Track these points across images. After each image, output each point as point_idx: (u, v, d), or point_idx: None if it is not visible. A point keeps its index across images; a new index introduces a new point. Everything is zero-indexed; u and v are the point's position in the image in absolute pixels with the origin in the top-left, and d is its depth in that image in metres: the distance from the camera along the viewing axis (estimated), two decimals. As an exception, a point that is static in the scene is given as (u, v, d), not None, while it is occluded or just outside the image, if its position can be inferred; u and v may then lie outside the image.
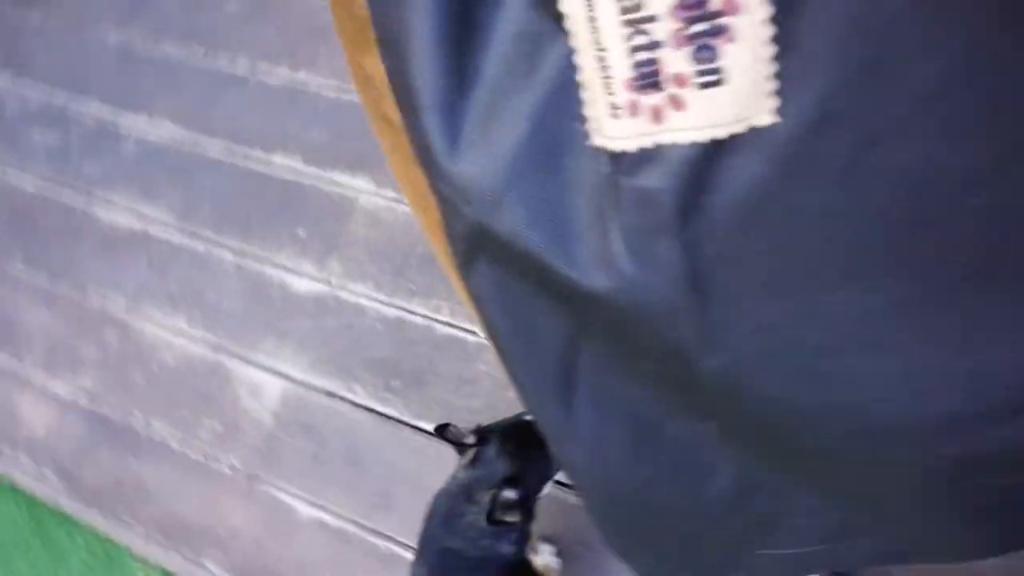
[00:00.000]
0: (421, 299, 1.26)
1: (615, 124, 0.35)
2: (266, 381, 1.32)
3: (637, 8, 0.31)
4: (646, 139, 0.34)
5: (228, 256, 1.41)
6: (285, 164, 1.42)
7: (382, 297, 1.29)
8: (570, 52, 0.35)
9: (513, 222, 0.39)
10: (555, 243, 0.39)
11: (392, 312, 1.27)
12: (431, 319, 1.25)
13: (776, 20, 0.29)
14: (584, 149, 0.36)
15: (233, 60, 1.52)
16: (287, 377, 1.31)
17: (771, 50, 0.30)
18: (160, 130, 1.54)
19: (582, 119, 0.36)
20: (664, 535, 0.51)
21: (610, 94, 0.34)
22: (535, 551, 0.98)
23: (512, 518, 0.88)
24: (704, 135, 0.33)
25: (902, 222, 0.32)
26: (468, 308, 0.52)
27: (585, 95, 0.35)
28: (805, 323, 0.36)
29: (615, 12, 0.32)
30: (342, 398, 1.27)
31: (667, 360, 0.40)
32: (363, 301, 1.30)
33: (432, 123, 0.39)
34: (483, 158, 0.38)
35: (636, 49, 0.32)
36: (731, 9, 0.30)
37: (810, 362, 0.37)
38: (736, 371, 0.38)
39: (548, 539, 1.07)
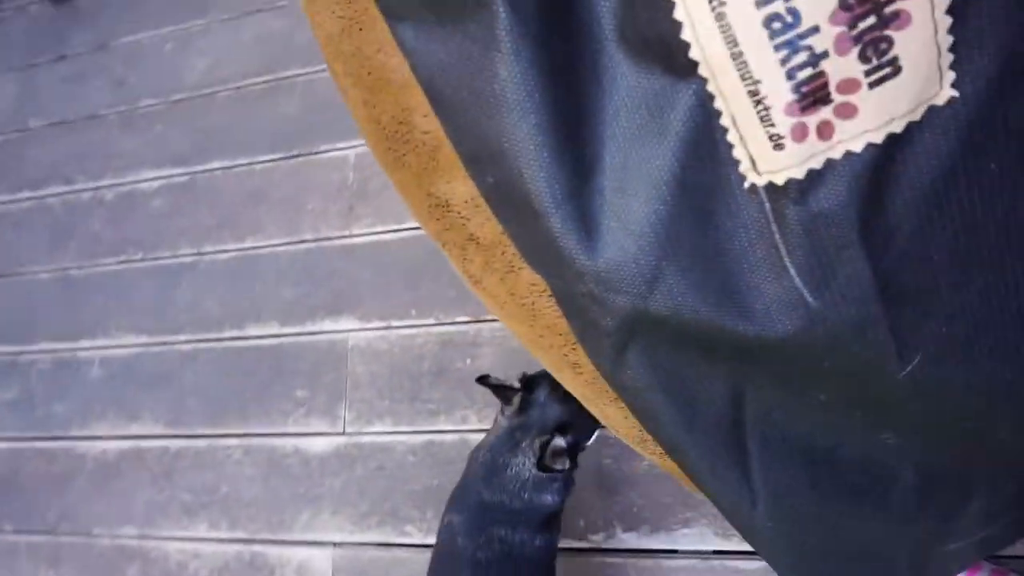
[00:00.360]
0: (445, 415, 1.22)
1: (778, 155, 0.32)
2: (313, 556, 1.23)
3: (791, 26, 0.30)
4: (815, 160, 0.32)
5: (233, 443, 1.34)
6: (262, 333, 1.38)
7: (404, 428, 1.23)
8: (700, 100, 0.33)
9: (675, 296, 0.36)
10: (725, 304, 0.36)
11: (420, 439, 1.22)
12: (462, 432, 1.20)
13: None
14: (738, 194, 0.34)
15: (175, 252, 1.50)
16: (333, 544, 1.23)
17: (948, 21, 0.29)
18: (122, 345, 1.48)
19: (732, 163, 0.34)
20: (858, 561, 0.48)
21: (769, 125, 0.32)
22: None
23: (561, 466, 0.83)
24: (880, 134, 0.31)
25: None
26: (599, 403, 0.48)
27: (733, 137, 0.33)
28: (999, 297, 0.35)
29: (765, 39, 0.30)
30: (398, 545, 1.19)
31: (851, 381, 0.37)
32: (386, 439, 1.24)
33: (560, 223, 0.36)
34: (627, 241, 0.36)
35: (796, 69, 0.31)
36: None
37: (1008, 337, 0.35)
38: (934, 367, 0.36)
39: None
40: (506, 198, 0.38)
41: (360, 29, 0.42)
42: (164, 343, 1.45)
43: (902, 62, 0.30)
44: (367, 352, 1.30)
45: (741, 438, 0.42)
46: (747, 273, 0.35)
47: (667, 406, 0.42)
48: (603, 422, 0.49)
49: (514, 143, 0.35)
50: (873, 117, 0.31)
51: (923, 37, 0.29)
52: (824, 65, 0.30)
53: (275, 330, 1.37)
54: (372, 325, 1.31)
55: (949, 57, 0.30)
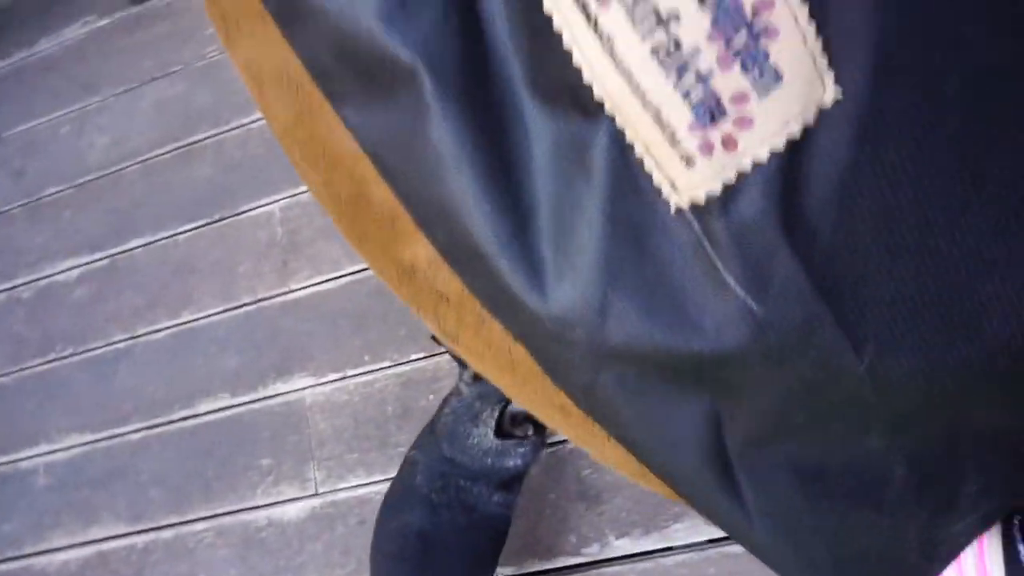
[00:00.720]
0: (418, 456, 1.19)
1: (692, 173, 0.34)
2: (308, 628, 1.19)
3: (676, 52, 0.32)
4: (727, 172, 0.34)
5: (202, 527, 1.28)
6: (214, 407, 1.33)
7: (379, 476, 1.20)
8: (613, 137, 0.35)
9: (627, 324, 0.37)
10: (677, 326, 0.37)
11: (396, 485, 1.19)
12: (437, 469, 1.17)
13: None
14: (667, 220, 0.36)
15: (107, 340, 1.43)
16: (327, 611, 1.18)
17: (813, 26, 0.31)
18: (66, 447, 1.41)
19: (654, 191, 0.35)
20: (868, 561, 0.48)
21: (677, 145, 0.34)
22: None
23: (522, 432, 0.82)
24: (779, 140, 0.33)
25: (992, 123, 0.33)
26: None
27: (649, 165, 0.35)
28: (931, 276, 0.36)
29: (655, 67, 0.32)
30: (393, 597, 1.15)
31: (818, 389, 0.38)
32: (362, 491, 1.21)
33: (508, 264, 0.38)
34: (573, 278, 0.37)
35: (689, 90, 0.33)
36: (764, 5, 0.30)
37: (951, 314, 0.37)
38: (890, 357, 0.37)
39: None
40: (458, 252, 0.40)
41: (310, 115, 0.44)
42: (112, 436, 1.38)
43: (782, 70, 0.32)
44: (327, 407, 1.26)
45: (726, 462, 0.43)
46: (692, 293, 0.37)
47: (648, 436, 0.43)
48: (603, 462, 0.49)
49: (455, 198, 0.37)
50: (769, 125, 0.33)
51: (793, 44, 0.31)
52: (713, 82, 0.32)
53: (227, 402, 1.32)
54: (327, 379, 1.27)
55: (824, 59, 0.31)
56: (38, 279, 1.53)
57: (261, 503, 1.26)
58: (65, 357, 1.45)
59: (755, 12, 0.31)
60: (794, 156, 0.33)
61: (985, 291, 0.36)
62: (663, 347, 0.38)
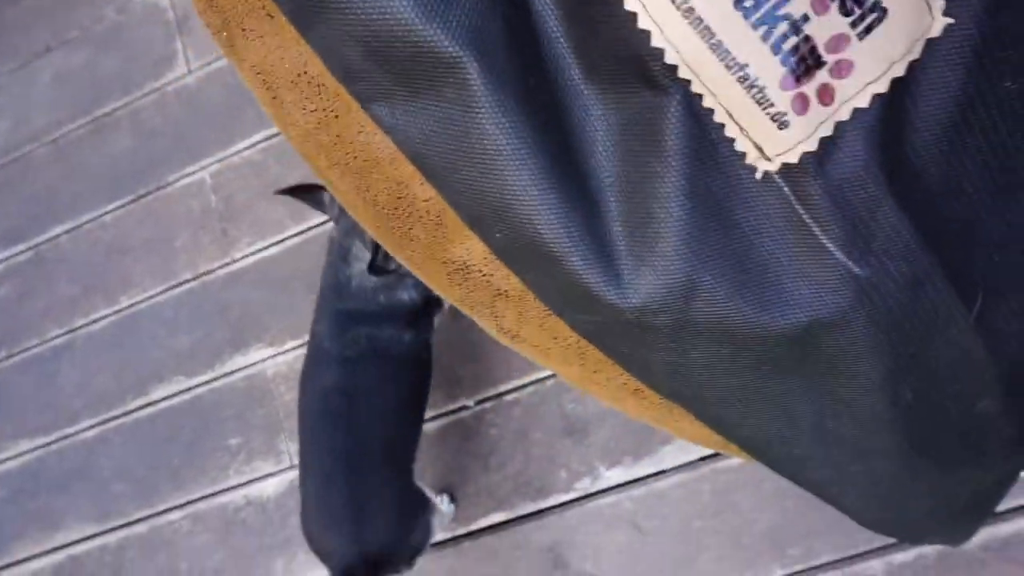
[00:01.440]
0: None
1: (784, 134, 0.32)
2: (303, 602, 1.15)
3: (763, 0, 0.29)
4: (824, 127, 0.31)
5: (176, 516, 1.22)
6: (171, 392, 1.26)
7: (355, 440, 1.15)
8: (688, 105, 0.32)
9: (715, 304, 0.35)
10: (771, 300, 0.35)
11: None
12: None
13: None
14: (753, 187, 0.33)
15: (43, 337, 1.33)
16: (320, 582, 1.15)
17: None
18: (17, 454, 1.32)
19: (737, 158, 0.33)
20: (936, 498, 0.47)
21: (769, 107, 0.31)
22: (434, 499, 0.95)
23: (395, 265, 0.81)
24: (884, 83, 0.30)
25: None
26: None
27: (732, 131, 0.32)
28: None
29: (740, 21, 0.30)
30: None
31: (930, 350, 0.36)
32: None
33: (581, 262, 0.35)
34: (653, 263, 0.35)
35: (780, 41, 0.30)
36: None
37: None
38: (1000, 302, 0.36)
39: (444, 489, 1.08)
40: (519, 251, 0.37)
41: (336, 117, 0.41)
42: (64, 437, 1.30)
43: (885, 3, 0.30)
44: (290, 376, 1.20)
45: (826, 438, 0.41)
46: (786, 263, 0.35)
47: (741, 414, 0.40)
48: (681, 437, 0.47)
49: (517, 194, 0.35)
50: (872, 67, 0.31)
51: None
52: (807, 29, 0.30)
53: (184, 384, 1.25)
54: (287, 347, 1.21)
55: None
56: (-44, 281, 1.42)
57: (235, 483, 1.20)
58: (0, 361, 1.35)
59: None
60: (900, 98, 0.31)
61: None
62: (757, 323, 0.35)
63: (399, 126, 0.37)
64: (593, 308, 0.37)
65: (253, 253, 1.25)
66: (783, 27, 0.30)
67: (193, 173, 1.30)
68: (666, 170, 0.34)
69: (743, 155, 0.33)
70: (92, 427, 1.28)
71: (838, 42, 0.30)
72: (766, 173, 0.33)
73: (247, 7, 0.41)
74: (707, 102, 0.32)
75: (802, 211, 0.33)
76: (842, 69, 0.31)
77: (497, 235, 0.38)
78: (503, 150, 0.34)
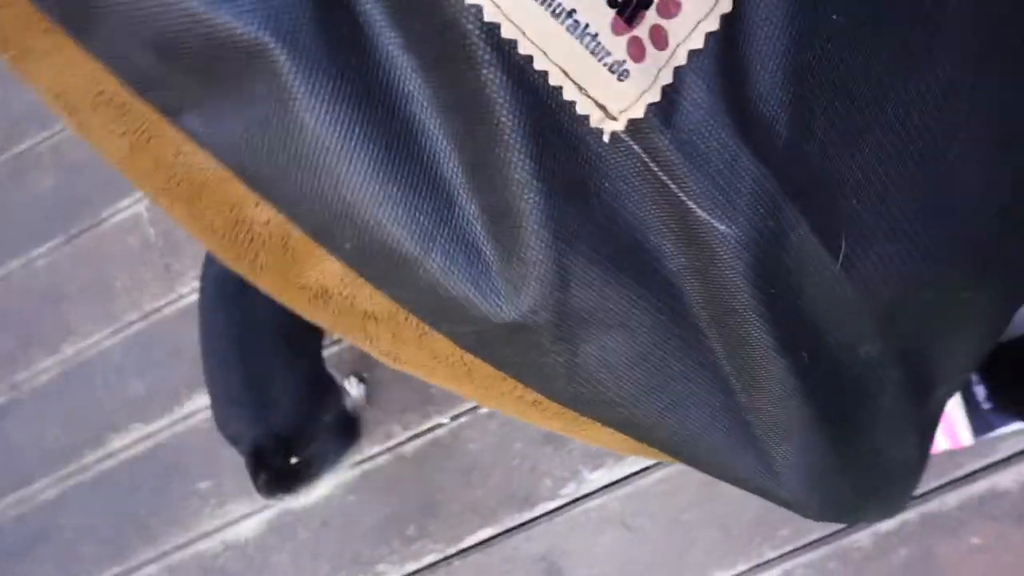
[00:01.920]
0: (367, 440, 1.11)
1: (626, 86, 0.29)
2: (294, 640, 1.12)
3: None
4: (664, 74, 0.29)
5: (151, 571, 1.18)
6: (129, 441, 1.20)
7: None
8: (519, 70, 0.29)
9: (590, 285, 0.33)
10: (647, 269, 0.33)
11: (351, 475, 1.12)
12: (389, 448, 1.10)
13: None
14: (604, 152, 0.31)
15: (-16, 395, 1.26)
16: (310, 618, 1.12)
17: None
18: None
19: (581, 122, 0.30)
20: (875, 460, 0.46)
21: (605, 55, 0.29)
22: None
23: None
24: (713, 20, 0.29)
25: None
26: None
27: (570, 92, 0.29)
28: (895, 148, 0.33)
29: None
30: (377, 587, 1.10)
31: (805, 300, 0.35)
32: (317, 490, 1.13)
33: (440, 262, 0.32)
34: (519, 254, 0.32)
35: None
36: None
37: (925, 184, 0.34)
38: (863, 248, 0.35)
39: (356, 373, 1.07)
40: (374, 259, 0.34)
41: (149, 139, 0.36)
42: (20, 501, 1.23)
43: None
44: (255, 411, 1.16)
45: (740, 418, 0.39)
46: (652, 226, 0.33)
47: (648, 406, 0.38)
48: (595, 444, 0.44)
49: (355, 191, 0.31)
50: (698, 4, 0.29)
51: None
52: None
53: (142, 431, 1.19)
54: (248, 381, 1.16)
55: None
56: None
57: (210, 528, 1.16)
58: (-61, 425, 1.28)
59: None
60: (732, 35, 0.29)
61: (952, 154, 0.34)
62: (639, 297, 0.33)
63: (215, 136, 0.33)
64: (466, 315, 0.34)
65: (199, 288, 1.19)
66: None
67: (127, 207, 1.24)
68: (508, 152, 0.31)
69: (586, 118, 0.30)
70: (49, 487, 1.22)
71: None
72: (613, 134, 0.31)
73: (23, 22, 0.36)
74: (539, 64, 0.29)
75: (657, 169, 0.31)
76: (669, 6, 0.29)
77: (346, 245, 0.34)
78: (329, 145, 0.31)
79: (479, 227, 0.32)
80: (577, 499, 1.04)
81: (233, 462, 1.16)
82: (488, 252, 0.32)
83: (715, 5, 0.29)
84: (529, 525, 1.05)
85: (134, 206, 1.23)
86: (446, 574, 1.07)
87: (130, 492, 1.19)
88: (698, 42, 0.29)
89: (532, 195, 0.31)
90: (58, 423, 1.23)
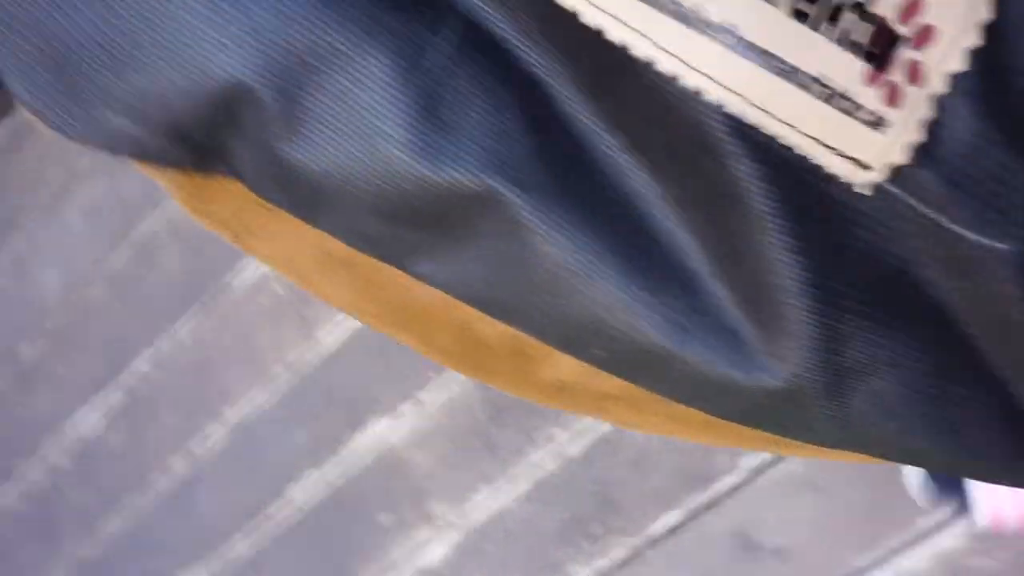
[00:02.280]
0: (530, 445, 1.12)
1: (884, 135, 0.27)
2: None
3: None
4: (923, 109, 0.26)
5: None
6: (307, 487, 1.25)
7: (500, 483, 1.14)
8: (764, 155, 0.27)
9: (859, 341, 0.31)
10: (917, 300, 0.30)
11: (522, 486, 1.12)
12: (555, 449, 1.10)
13: None
14: (857, 205, 0.29)
15: (164, 471, 1.34)
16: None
17: None
18: (181, 585, 1.34)
19: (839, 181, 0.28)
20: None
21: (859, 111, 0.26)
22: None
23: None
24: (972, 35, 0.25)
25: None
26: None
27: (824, 156, 0.27)
28: None
29: (795, 28, 0.25)
30: (572, 586, 1.11)
31: None
32: (491, 503, 1.14)
33: (698, 352, 0.30)
34: (786, 329, 0.30)
35: (847, 32, 0.26)
36: None
37: None
38: None
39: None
40: (626, 361, 0.33)
41: (376, 286, 0.37)
42: (220, 559, 1.31)
43: None
44: (416, 438, 1.18)
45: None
46: (916, 261, 0.30)
47: (924, 439, 0.35)
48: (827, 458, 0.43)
49: (604, 306, 0.31)
50: (953, 21, 0.26)
51: None
52: (871, 6, 0.26)
53: (316, 477, 1.24)
54: (402, 411, 1.19)
55: None
56: (63, 441, 1.43)
57: (399, 558, 1.20)
58: (127, 510, 1.37)
59: None
60: (992, 45, 0.26)
61: None
62: (909, 337, 0.31)
63: (447, 278, 0.33)
64: (725, 393, 0.33)
65: (337, 329, 1.22)
66: (848, 18, 0.26)
67: (249, 268, 1.27)
68: (764, 236, 0.29)
69: (844, 176, 0.28)
70: (243, 541, 1.29)
71: (911, 8, 0.26)
72: (874, 185, 0.29)
73: (248, 211, 0.37)
74: (788, 139, 0.27)
75: (923, 208, 0.29)
76: (924, 36, 0.26)
77: (595, 351, 0.33)
78: (571, 267, 0.30)
79: (734, 310, 0.30)
80: (758, 468, 1.01)
81: (406, 491, 1.19)
82: (746, 332, 0.30)
83: (973, 14, 0.25)
84: (716, 503, 1.03)
85: (256, 267, 1.27)
86: (641, 565, 1.06)
87: (318, 536, 1.25)
88: (956, 63, 0.26)
89: (790, 270, 0.29)
90: (240, 483, 1.29)
